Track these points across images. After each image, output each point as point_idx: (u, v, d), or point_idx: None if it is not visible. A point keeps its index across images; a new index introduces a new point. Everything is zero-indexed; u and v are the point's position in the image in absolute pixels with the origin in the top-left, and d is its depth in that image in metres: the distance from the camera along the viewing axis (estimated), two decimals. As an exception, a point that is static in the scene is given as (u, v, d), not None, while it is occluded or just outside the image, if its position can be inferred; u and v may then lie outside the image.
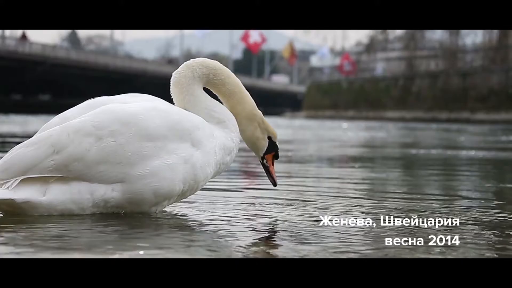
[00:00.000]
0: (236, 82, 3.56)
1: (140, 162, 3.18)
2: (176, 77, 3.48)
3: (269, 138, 3.64)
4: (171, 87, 3.49)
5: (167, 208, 3.68)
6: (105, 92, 4.75)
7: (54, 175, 3.13)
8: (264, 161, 3.66)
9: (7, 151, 3.24)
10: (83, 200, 3.21)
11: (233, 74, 3.55)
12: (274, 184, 3.67)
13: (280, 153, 3.70)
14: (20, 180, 3.10)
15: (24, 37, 56.30)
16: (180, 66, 3.50)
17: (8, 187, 3.09)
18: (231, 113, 3.56)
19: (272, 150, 3.67)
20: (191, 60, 3.50)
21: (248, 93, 3.60)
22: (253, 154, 3.78)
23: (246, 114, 3.58)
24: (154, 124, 3.20)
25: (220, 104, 3.56)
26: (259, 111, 3.63)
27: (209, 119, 3.48)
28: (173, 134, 3.25)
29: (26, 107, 48.56)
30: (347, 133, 21.53)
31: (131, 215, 3.36)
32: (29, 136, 3.31)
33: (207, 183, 3.68)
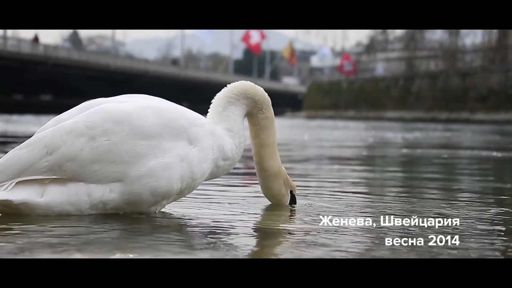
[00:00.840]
0: (275, 132, 3.68)
1: (135, 161, 3.17)
2: (230, 94, 3.53)
3: (290, 192, 3.80)
4: (222, 96, 3.54)
5: (166, 208, 3.68)
6: (106, 92, 4.76)
7: (49, 176, 3.13)
8: None
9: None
10: (81, 202, 3.20)
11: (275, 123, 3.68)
12: None
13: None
14: (18, 182, 3.11)
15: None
16: (243, 86, 3.56)
17: (5, 189, 3.10)
18: (244, 132, 3.59)
19: (293, 203, 3.85)
20: (252, 85, 3.58)
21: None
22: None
23: (274, 171, 3.69)
24: (148, 123, 3.20)
25: (241, 124, 3.60)
26: (283, 167, 3.76)
27: (222, 122, 3.49)
28: (168, 132, 3.25)
29: (27, 107, 48.62)
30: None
31: (130, 215, 3.36)
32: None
33: (206, 183, 3.68)
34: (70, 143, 3.11)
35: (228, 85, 3.63)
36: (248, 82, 3.65)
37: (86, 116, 3.19)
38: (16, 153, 3.13)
